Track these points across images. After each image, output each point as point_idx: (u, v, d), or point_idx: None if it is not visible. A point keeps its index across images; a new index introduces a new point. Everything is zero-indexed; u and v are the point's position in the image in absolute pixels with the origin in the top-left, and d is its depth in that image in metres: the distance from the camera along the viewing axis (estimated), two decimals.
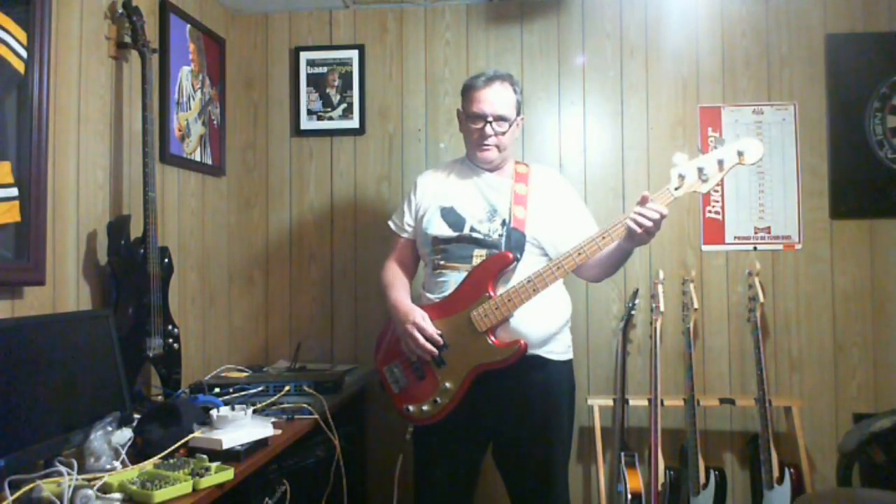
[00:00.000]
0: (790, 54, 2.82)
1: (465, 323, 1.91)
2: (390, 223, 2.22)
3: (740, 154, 1.79)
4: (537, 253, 2.02)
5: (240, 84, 3.03)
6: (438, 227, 2.05)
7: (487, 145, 2.04)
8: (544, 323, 1.98)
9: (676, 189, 1.82)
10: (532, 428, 2.00)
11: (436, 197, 2.10)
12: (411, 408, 1.98)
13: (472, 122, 2.06)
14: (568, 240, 1.96)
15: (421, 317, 1.95)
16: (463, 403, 1.94)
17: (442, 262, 2.03)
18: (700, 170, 1.81)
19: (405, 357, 2.00)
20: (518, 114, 2.09)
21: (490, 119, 2.02)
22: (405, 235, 2.17)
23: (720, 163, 1.80)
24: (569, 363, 2.09)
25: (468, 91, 2.08)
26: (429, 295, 2.06)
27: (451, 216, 2.05)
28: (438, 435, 2.01)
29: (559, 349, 2.04)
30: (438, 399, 1.95)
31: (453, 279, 1.99)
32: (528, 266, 1.95)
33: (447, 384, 1.94)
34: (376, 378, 2.13)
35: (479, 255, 1.99)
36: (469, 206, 2.05)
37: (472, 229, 2.01)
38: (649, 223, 1.77)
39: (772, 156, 2.81)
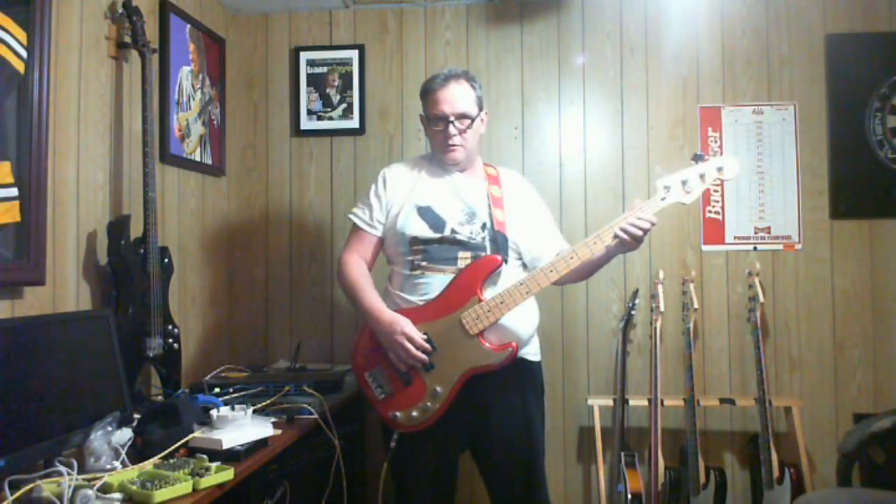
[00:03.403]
0: (790, 54, 2.82)
1: (455, 326, 1.89)
2: (353, 217, 2.11)
3: (720, 170, 1.93)
4: (513, 257, 2.01)
5: (240, 84, 3.03)
6: (417, 228, 1.99)
7: (453, 146, 2.01)
8: (528, 325, 2.00)
9: (663, 199, 1.92)
10: (514, 429, 1.99)
11: (410, 194, 2.05)
12: (399, 414, 1.93)
13: (433, 125, 2.02)
14: (542, 245, 2.01)
15: (409, 325, 1.90)
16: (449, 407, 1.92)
17: (423, 264, 1.97)
18: (684, 182, 1.93)
19: (388, 361, 1.95)
20: (480, 109, 2.05)
21: (451, 119, 1.98)
22: (374, 232, 2.07)
23: (702, 176, 1.94)
24: (540, 364, 2.11)
25: (426, 94, 2.04)
26: (406, 297, 1.98)
27: (429, 216, 2.00)
28: (419, 440, 1.96)
29: (534, 350, 2.08)
30: (429, 404, 1.91)
31: (437, 281, 1.95)
32: (505, 270, 1.95)
33: (437, 388, 1.90)
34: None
35: (463, 257, 1.96)
36: (447, 207, 2.01)
37: (454, 231, 1.98)
38: (639, 232, 1.85)
39: (772, 156, 2.81)
